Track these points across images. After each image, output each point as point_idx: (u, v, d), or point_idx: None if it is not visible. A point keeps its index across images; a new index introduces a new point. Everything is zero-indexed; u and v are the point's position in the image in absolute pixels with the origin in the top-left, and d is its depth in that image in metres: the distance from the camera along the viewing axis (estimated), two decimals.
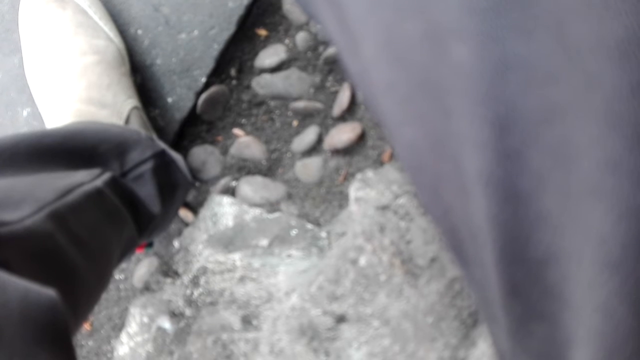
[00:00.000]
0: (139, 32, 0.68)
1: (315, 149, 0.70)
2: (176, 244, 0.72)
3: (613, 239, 0.18)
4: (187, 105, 0.69)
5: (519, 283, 0.22)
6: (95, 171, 0.51)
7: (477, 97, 0.19)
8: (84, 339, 0.75)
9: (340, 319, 0.57)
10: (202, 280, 0.65)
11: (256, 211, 0.68)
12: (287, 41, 0.70)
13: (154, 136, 0.64)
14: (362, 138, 0.68)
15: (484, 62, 0.19)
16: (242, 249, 0.65)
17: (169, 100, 0.69)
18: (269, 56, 0.70)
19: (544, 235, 0.20)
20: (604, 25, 0.16)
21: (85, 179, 0.48)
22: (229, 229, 0.67)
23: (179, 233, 0.73)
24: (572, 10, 0.17)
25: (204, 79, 0.68)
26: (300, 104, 0.70)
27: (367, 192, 0.60)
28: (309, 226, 0.66)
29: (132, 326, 0.67)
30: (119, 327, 0.73)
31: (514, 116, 0.19)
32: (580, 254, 0.19)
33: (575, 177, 0.18)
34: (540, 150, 0.19)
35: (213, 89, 0.70)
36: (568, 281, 0.20)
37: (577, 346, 0.21)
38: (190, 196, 0.73)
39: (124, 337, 0.68)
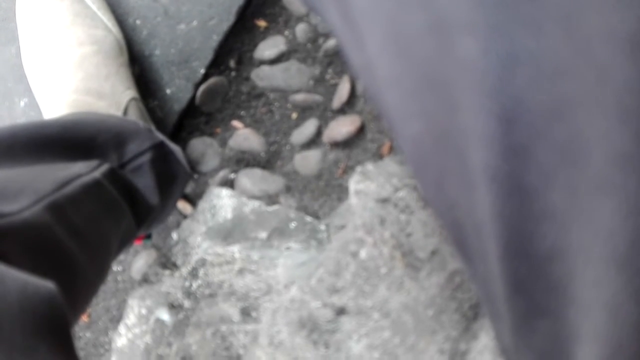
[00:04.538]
0: (138, 22, 0.67)
1: (314, 141, 0.70)
2: (175, 235, 0.72)
3: (621, 236, 0.18)
4: (185, 96, 0.69)
5: (523, 279, 0.21)
6: (93, 162, 0.50)
7: (484, 91, 0.19)
8: (82, 331, 0.75)
9: (340, 312, 0.57)
10: (200, 272, 0.65)
11: (255, 203, 0.68)
12: (286, 33, 0.69)
13: (153, 127, 0.64)
14: (361, 131, 0.68)
15: (491, 55, 0.18)
16: (241, 241, 0.65)
17: (168, 91, 0.69)
18: (268, 48, 0.69)
19: (549, 230, 0.20)
20: (616, 17, 0.16)
21: (84, 171, 0.48)
22: (227, 221, 0.67)
23: (178, 225, 0.72)
24: (583, 2, 0.16)
25: (202, 70, 0.68)
26: (299, 96, 0.69)
27: (367, 185, 0.60)
28: (308, 219, 0.66)
29: (130, 318, 0.67)
30: (116, 319, 0.73)
31: (521, 111, 0.18)
32: (587, 250, 0.19)
33: (584, 172, 0.18)
34: (548, 145, 0.19)
35: (212, 81, 0.69)
36: (574, 277, 0.20)
37: (582, 342, 0.21)
38: (189, 188, 0.72)
39: (122, 328, 0.68)
